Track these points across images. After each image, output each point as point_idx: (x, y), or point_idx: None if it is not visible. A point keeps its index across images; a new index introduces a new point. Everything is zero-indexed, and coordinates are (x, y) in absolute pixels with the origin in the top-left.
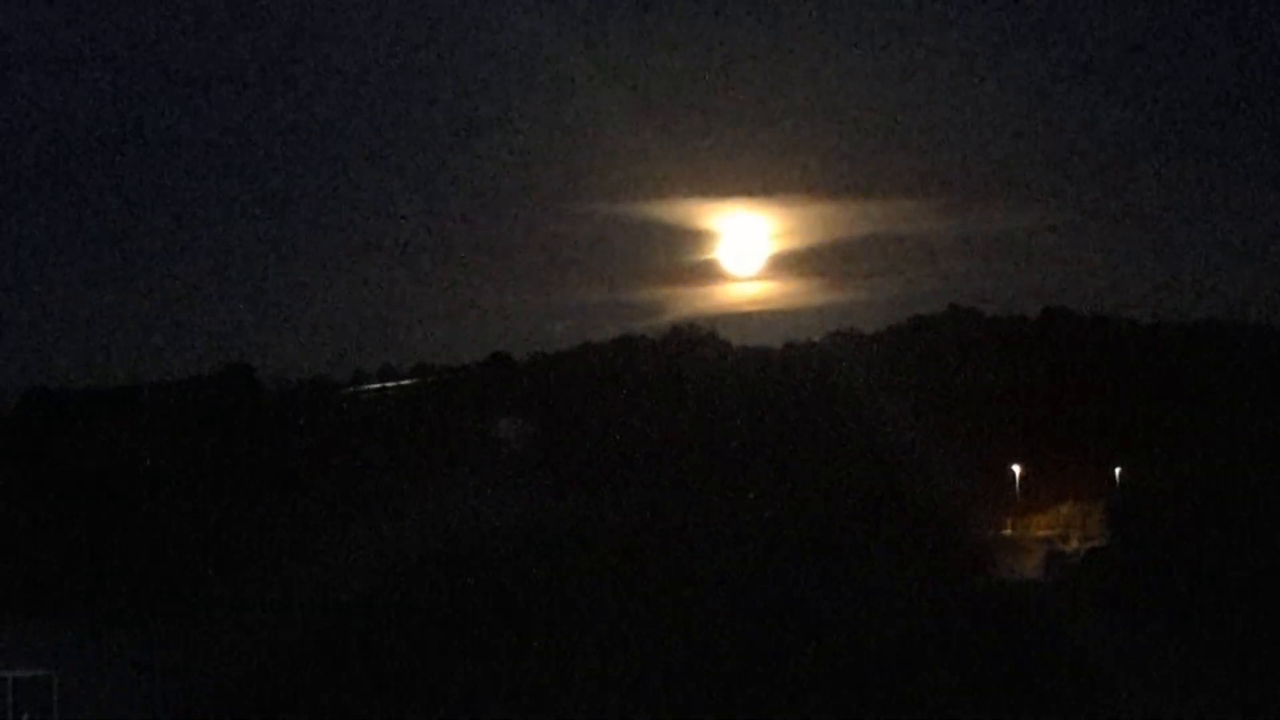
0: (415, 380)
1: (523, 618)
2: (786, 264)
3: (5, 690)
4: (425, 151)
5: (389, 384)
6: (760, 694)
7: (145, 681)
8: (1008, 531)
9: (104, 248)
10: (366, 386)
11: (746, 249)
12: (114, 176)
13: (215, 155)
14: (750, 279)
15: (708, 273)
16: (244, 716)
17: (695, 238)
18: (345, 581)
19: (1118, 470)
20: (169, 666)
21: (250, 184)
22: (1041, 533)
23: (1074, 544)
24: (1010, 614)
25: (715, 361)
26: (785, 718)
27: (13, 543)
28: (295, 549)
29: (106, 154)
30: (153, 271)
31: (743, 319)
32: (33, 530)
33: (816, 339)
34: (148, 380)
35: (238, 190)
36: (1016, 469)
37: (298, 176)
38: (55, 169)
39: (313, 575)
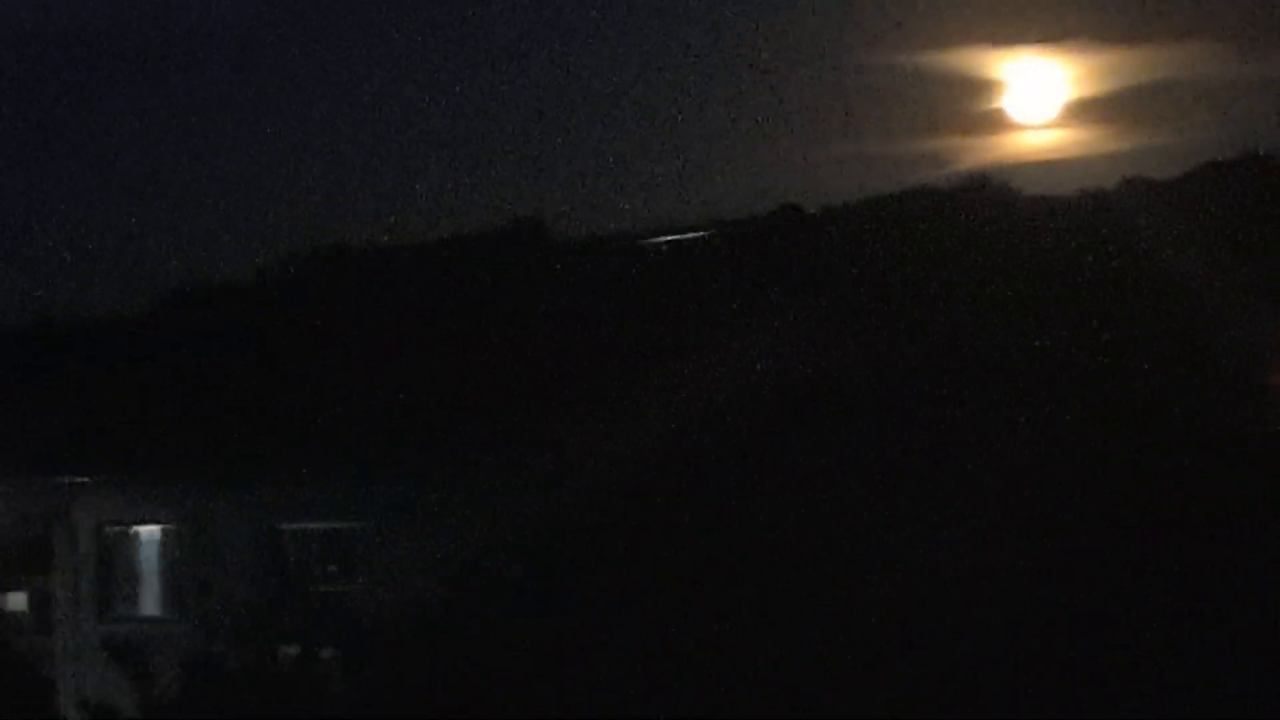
0: (706, 232)
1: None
2: (1077, 112)
3: (313, 542)
4: (705, 6)
5: (682, 235)
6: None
7: (453, 539)
8: None
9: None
10: (661, 238)
11: (1036, 97)
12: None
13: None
14: (1040, 127)
15: (997, 122)
16: (559, 573)
17: (983, 86)
18: (646, 439)
19: None
20: (477, 524)
21: (539, 28)
22: None
23: None
24: None
25: (1007, 210)
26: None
27: (323, 398)
28: (593, 405)
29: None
30: (449, 116)
31: (1034, 168)
32: (340, 385)
33: (1110, 187)
34: (442, 236)
35: (529, 29)
36: None
37: (581, 25)
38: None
39: (610, 432)
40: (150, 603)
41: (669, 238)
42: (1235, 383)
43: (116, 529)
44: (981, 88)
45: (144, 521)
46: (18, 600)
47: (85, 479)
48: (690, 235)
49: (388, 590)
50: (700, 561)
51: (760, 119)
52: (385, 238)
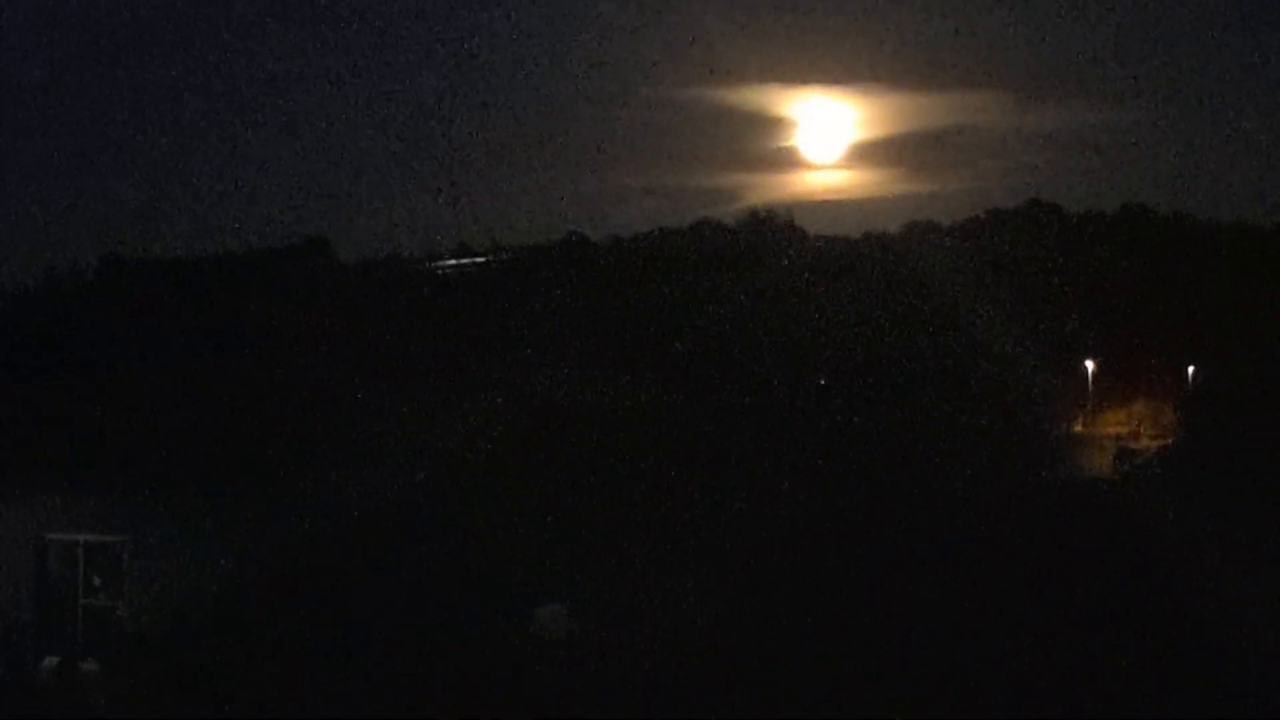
0: (491, 258)
1: (593, 497)
2: (865, 153)
3: (78, 554)
4: (502, 33)
5: (465, 260)
6: (811, 589)
7: (216, 551)
8: (1079, 428)
9: (182, 115)
10: (443, 263)
11: (825, 137)
12: (188, 41)
13: (290, 28)
14: (828, 167)
15: (786, 160)
16: (316, 586)
17: (774, 125)
18: (420, 457)
19: (1190, 369)
20: (241, 536)
21: (326, 57)
22: (1112, 430)
23: (1144, 442)
24: (1079, 508)
25: (792, 249)
26: (845, 614)
27: (87, 411)
28: (370, 423)
29: (181, 19)
30: (230, 140)
31: (820, 207)
32: (106, 398)
33: (894, 230)
34: (224, 251)
35: (314, 63)
36: (1090, 365)
37: (372, 52)
38: (124, 30)
39: (387, 450)
40: None
41: (455, 261)
42: (1011, 414)
43: None
44: (772, 126)
45: None
46: None
47: None
48: (476, 260)
49: (151, 601)
50: (469, 567)
51: (551, 150)
52: (160, 252)
